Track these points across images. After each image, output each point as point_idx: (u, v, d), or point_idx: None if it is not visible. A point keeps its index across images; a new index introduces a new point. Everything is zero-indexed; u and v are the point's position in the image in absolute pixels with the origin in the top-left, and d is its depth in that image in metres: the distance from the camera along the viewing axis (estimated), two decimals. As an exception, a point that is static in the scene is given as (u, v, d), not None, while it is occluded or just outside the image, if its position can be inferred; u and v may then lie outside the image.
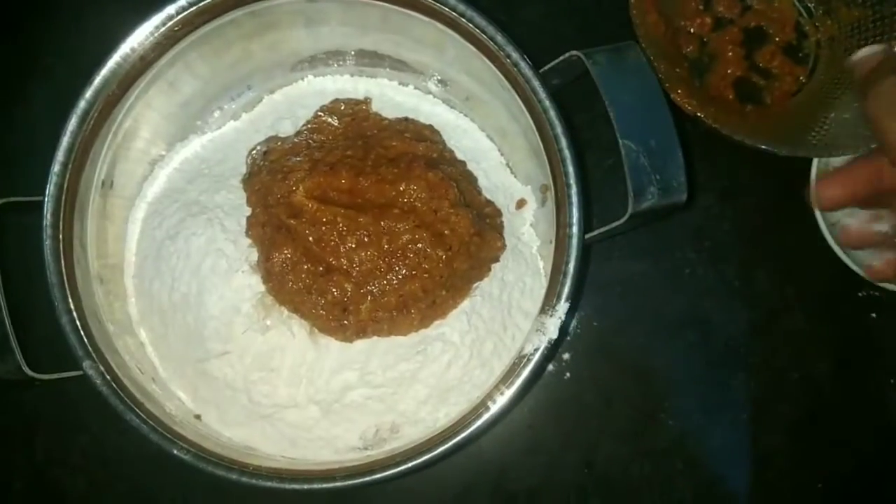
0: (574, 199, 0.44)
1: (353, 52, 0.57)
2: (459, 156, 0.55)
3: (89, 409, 0.58)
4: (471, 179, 0.54)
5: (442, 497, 0.57)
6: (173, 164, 0.56)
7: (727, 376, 0.58)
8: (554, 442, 0.58)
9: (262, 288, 0.50)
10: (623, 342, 0.59)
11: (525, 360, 0.43)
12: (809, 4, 0.61)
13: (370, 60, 0.57)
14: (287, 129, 0.55)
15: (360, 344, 0.50)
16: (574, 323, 0.59)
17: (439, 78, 0.57)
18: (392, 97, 0.57)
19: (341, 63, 0.58)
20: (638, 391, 0.59)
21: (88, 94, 0.45)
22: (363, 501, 0.58)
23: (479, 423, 0.43)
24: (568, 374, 0.58)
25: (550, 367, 0.58)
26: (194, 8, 0.45)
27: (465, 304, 0.51)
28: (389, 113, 0.56)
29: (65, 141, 0.45)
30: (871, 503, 0.58)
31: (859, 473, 0.57)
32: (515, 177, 0.56)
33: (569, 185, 0.44)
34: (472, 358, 0.50)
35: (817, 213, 0.54)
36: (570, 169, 0.44)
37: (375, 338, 0.50)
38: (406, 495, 0.58)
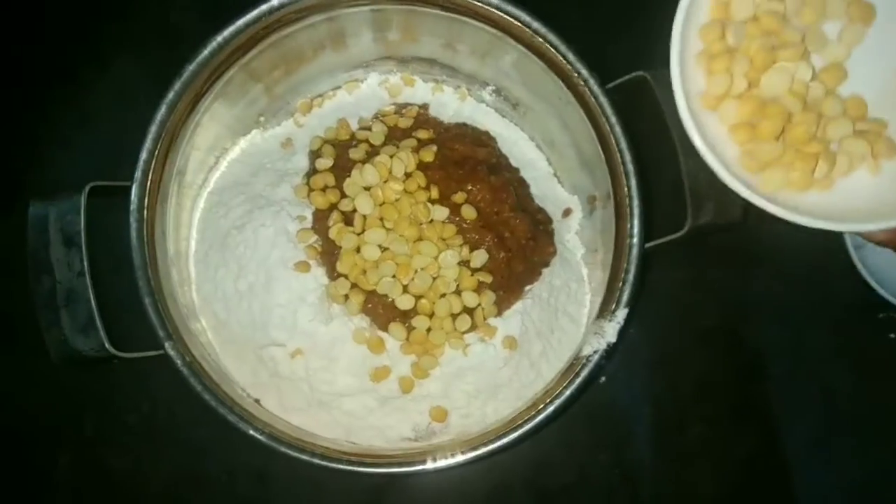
0: (636, 210, 0.46)
1: (410, 58, 0.59)
2: (513, 163, 0.58)
3: (139, 390, 0.60)
4: (524, 185, 0.57)
5: (481, 489, 0.60)
6: (234, 155, 0.58)
7: (754, 386, 0.61)
8: (587, 442, 0.61)
9: (327, 280, 0.52)
10: (656, 348, 0.62)
11: (584, 361, 0.46)
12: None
13: (427, 67, 0.59)
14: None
15: (419, 338, 0.52)
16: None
17: (494, 87, 0.59)
18: (447, 103, 0.60)
19: (400, 69, 0.60)
20: (668, 396, 0.61)
21: (178, 85, 0.47)
22: (401, 494, 0.60)
23: (539, 418, 0.45)
24: (602, 378, 0.61)
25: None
26: (289, 7, 0.47)
27: (518, 305, 0.54)
28: (445, 119, 0.59)
29: (153, 129, 0.46)
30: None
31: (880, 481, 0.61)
32: (562, 186, 0.59)
33: (631, 198, 0.47)
34: (522, 357, 0.53)
35: (845, 237, 0.57)
36: (634, 182, 0.47)
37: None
38: (443, 491, 0.60)
